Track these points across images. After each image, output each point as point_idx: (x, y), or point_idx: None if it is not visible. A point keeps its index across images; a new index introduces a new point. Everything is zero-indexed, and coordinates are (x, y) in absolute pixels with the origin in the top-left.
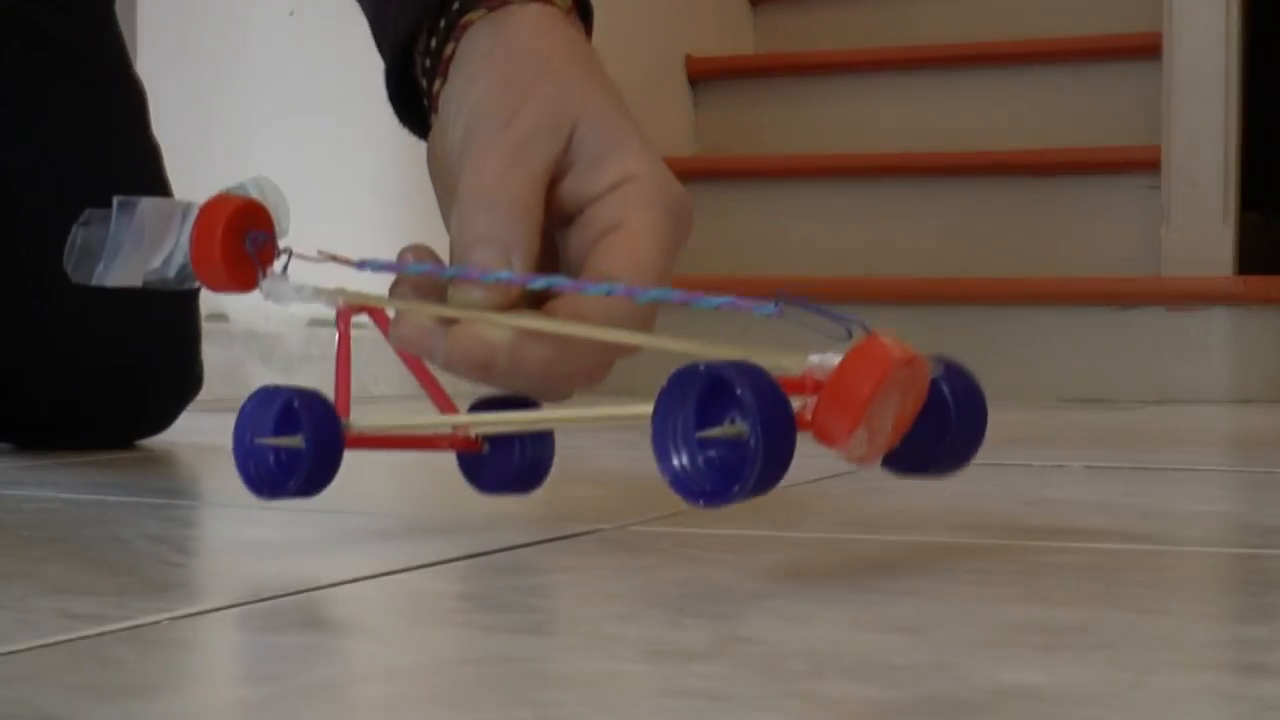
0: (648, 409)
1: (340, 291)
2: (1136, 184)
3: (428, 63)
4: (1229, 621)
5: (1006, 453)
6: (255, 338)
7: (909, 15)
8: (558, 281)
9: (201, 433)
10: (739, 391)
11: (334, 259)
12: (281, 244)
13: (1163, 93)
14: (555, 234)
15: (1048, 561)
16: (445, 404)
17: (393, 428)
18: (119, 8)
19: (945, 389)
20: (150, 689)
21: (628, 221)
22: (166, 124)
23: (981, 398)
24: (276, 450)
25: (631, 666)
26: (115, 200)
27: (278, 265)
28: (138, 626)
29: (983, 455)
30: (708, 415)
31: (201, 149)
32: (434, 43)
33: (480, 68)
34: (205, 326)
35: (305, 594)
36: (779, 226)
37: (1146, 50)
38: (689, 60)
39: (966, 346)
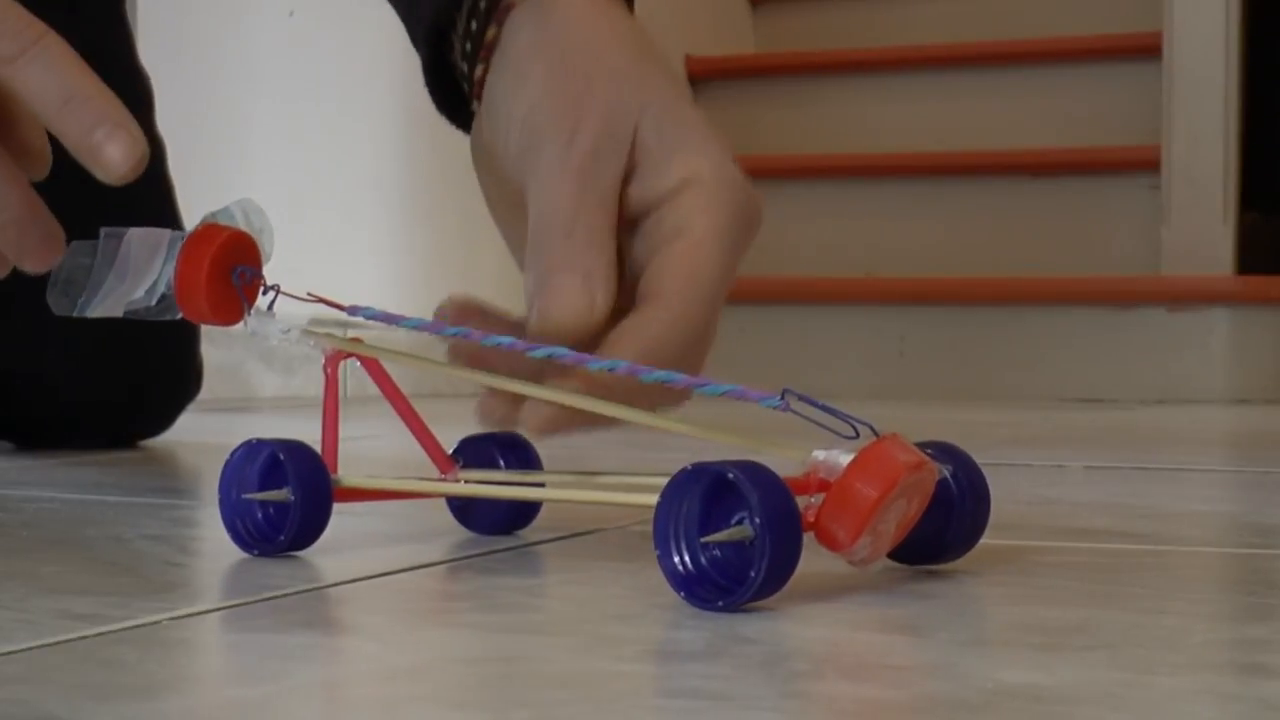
0: (651, 499)
1: (329, 335)
2: (1136, 184)
3: (468, 46)
4: (1229, 621)
5: (1006, 453)
6: (255, 338)
7: (909, 15)
8: (559, 353)
9: (202, 433)
10: (746, 495)
11: (323, 302)
12: (269, 280)
13: (1163, 93)
14: (621, 237)
15: (1048, 561)
16: (442, 461)
17: (382, 485)
18: None
19: (952, 484)
20: (150, 689)
21: (690, 228)
22: (166, 123)
23: (985, 488)
24: (264, 506)
25: (631, 666)
26: (102, 231)
27: (263, 302)
28: (138, 626)
29: (983, 455)
30: (713, 514)
31: (201, 148)
32: (474, 25)
33: (529, 65)
34: (205, 327)
35: (305, 594)
36: (779, 226)
37: (1146, 50)
38: (689, 60)
39: (967, 346)
